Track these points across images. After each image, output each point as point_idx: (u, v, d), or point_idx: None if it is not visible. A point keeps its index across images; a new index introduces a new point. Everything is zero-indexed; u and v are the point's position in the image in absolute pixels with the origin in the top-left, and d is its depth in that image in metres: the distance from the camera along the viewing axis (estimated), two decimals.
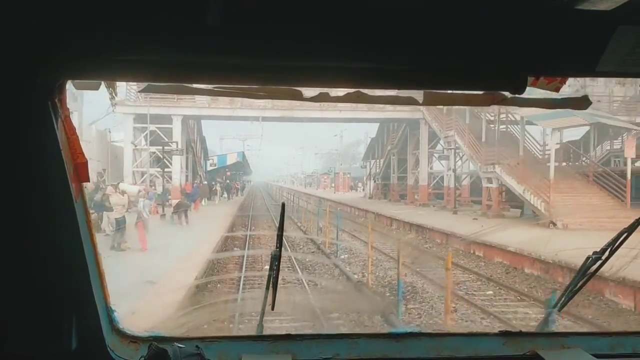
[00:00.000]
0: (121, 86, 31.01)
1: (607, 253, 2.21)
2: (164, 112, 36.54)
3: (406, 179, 42.99)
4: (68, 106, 1.57)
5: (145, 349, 1.68)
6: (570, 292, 2.32)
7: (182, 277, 11.82)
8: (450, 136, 32.80)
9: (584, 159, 29.60)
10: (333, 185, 75.02)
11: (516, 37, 1.39)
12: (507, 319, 10.94)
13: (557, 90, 1.58)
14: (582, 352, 2.09)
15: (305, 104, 37.94)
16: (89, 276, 1.75)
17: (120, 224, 15.22)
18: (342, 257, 18.83)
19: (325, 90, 1.55)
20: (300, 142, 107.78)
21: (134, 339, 1.99)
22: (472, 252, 19.64)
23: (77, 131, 1.61)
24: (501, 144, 28.44)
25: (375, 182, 51.63)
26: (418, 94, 1.57)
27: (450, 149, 32.79)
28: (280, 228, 2.22)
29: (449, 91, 1.58)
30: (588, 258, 2.26)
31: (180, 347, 1.62)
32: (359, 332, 2.25)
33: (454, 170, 32.65)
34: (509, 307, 12.29)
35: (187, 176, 40.58)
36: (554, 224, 21.12)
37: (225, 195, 48.03)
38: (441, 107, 35.69)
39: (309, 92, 1.55)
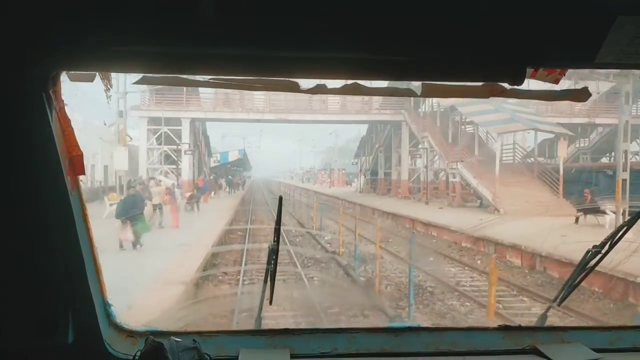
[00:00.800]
0: (117, 78, 35.73)
1: (606, 247, 2.18)
2: (173, 115, 41.24)
3: (391, 174, 47.80)
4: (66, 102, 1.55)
5: (142, 343, 1.60)
6: (570, 286, 2.29)
7: (206, 242, 16.86)
8: (425, 137, 37.60)
9: (530, 158, 34.40)
10: (330, 180, 79.71)
11: (515, 27, 1.37)
12: (442, 274, 15.56)
13: (556, 82, 1.56)
14: (582, 346, 2.06)
15: (300, 106, 43.10)
16: (85, 270, 1.74)
17: (159, 208, 20.18)
18: (326, 238, 23.54)
19: (322, 81, 1.52)
20: (298, 140, 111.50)
21: (131, 334, 1.98)
22: (429, 233, 24.44)
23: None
24: (466, 145, 33.29)
25: (365, 177, 56.26)
26: (416, 86, 1.56)
27: (424, 148, 37.60)
28: (278, 222, 2.20)
29: (447, 83, 1.54)
30: (588, 252, 2.23)
31: (177, 341, 1.57)
32: (358, 327, 2.15)
33: (427, 167, 37.44)
34: (445, 270, 16.92)
35: (194, 172, 45.36)
36: (498, 211, 26.03)
37: (229, 189, 52.90)
38: (419, 110, 40.68)
39: (305, 84, 1.52)
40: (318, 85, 1.53)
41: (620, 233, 2.16)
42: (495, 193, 27.36)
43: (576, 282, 2.29)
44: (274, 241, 2.21)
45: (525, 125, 28.69)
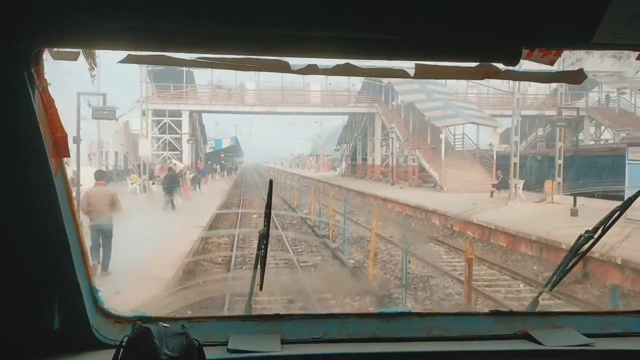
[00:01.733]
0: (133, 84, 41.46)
1: (599, 232, 2.18)
2: (175, 108, 46.97)
3: (367, 160, 53.96)
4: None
5: (130, 329, 1.55)
6: (562, 271, 2.30)
7: (210, 208, 23.12)
8: (393, 127, 43.74)
9: (473, 146, 40.74)
10: (316, 165, 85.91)
11: (511, 6, 1.34)
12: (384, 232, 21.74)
13: (551, 63, 1.55)
14: (573, 331, 2.07)
15: (286, 100, 49.03)
16: (71, 255, 1.72)
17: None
18: (304, 211, 29.61)
19: (313, 61, 1.49)
20: (288, 128, 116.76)
21: (119, 319, 1.97)
22: (388, 206, 30.62)
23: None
24: (422, 134, 39.46)
25: (346, 162, 62.44)
26: (409, 67, 1.53)
27: (391, 137, 43.79)
28: (268, 206, 2.15)
29: (441, 63, 1.53)
30: (580, 237, 2.23)
31: (165, 327, 1.53)
32: (349, 312, 2.19)
33: (392, 154, 43.66)
34: (387, 229, 23.02)
35: (192, 158, 51.25)
36: (443, 189, 32.32)
37: (224, 173, 59.02)
38: (388, 104, 46.82)
39: (296, 64, 1.49)
40: (309, 66, 1.50)
41: (613, 218, 2.14)
42: (441, 175, 33.65)
43: (568, 267, 2.26)
44: (264, 226, 2.16)
45: (465, 119, 34.96)
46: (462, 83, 43.70)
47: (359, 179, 53.29)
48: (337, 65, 1.50)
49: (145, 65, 41.94)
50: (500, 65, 1.53)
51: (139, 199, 25.89)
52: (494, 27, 1.40)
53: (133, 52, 1.43)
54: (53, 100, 1.56)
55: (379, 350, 1.97)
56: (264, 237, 2.17)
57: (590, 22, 1.34)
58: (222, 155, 70.59)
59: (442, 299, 11.98)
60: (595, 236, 2.19)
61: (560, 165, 26.30)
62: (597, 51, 1.62)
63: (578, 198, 19.67)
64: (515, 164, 25.14)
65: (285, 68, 1.49)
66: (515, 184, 24.53)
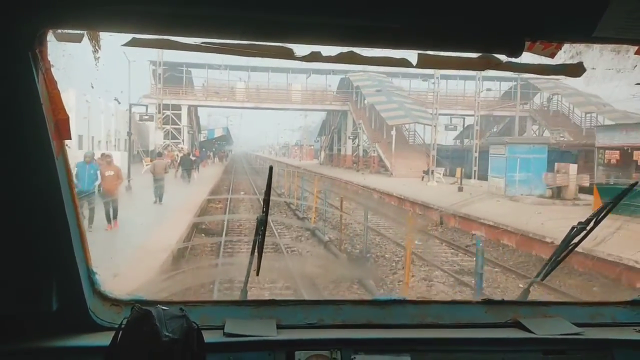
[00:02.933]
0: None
1: (592, 224, 2.20)
2: (176, 102, 54.91)
3: (341, 150, 62.28)
4: None
5: (127, 311, 1.57)
6: (554, 262, 2.32)
7: (210, 185, 31.39)
8: (360, 123, 52.07)
9: (424, 142, 49.19)
10: (300, 155, 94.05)
11: None
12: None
13: (552, 56, 1.56)
14: (563, 320, 2.12)
15: (271, 97, 57.15)
16: (70, 237, 1.72)
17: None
18: (281, 192, 37.80)
19: (316, 48, 1.49)
20: (276, 119, 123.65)
21: (116, 302, 1.98)
22: (347, 188, 38.93)
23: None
24: (382, 130, 47.82)
25: (325, 152, 70.75)
26: (412, 56, 1.54)
27: (359, 132, 52.16)
28: (268, 192, 2.12)
29: (444, 53, 1.54)
30: (573, 228, 2.25)
31: (165, 309, 1.54)
32: (344, 299, 2.21)
33: (359, 146, 52.04)
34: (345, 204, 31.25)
35: (190, 145, 59.25)
36: (392, 175, 40.78)
37: (215, 160, 67.16)
38: (358, 104, 55.11)
39: (299, 50, 1.50)
40: (313, 53, 1.50)
41: (606, 210, 2.15)
42: (392, 163, 42.06)
43: (560, 257, 2.28)
44: (263, 212, 2.13)
45: (412, 119, 43.41)
46: (423, 86, 52.13)
47: (334, 167, 61.29)
48: (341, 52, 1.49)
49: (154, 68, 50.32)
50: (502, 57, 1.54)
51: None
52: (497, 18, 1.40)
53: (137, 35, 1.44)
54: (56, 82, 1.55)
55: (373, 336, 1.99)
56: (262, 224, 2.14)
57: (592, 15, 1.35)
58: (215, 143, 78.37)
59: (356, 234, 20.18)
60: (588, 228, 2.20)
61: (476, 157, 34.74)
62: (597, 45, 1.60)
63: (473, 180, 28.05)
64: (433, 156, 33.68)
65: (289, 54, 1.50)
66: (432, 171, 33.09)
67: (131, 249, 11.75)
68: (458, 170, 32.07)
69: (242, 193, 31.36)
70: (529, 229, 14.96)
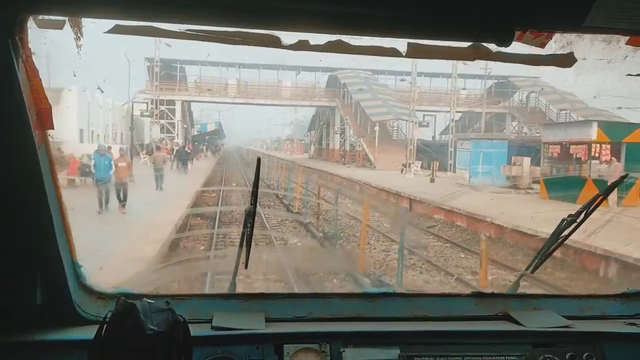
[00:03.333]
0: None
1: (582, 216, 2.19)
2: (170, 98, 57.21)
3: (329, 145, 64.86)
4: None
5: (113, 305, 1.55)
6: (544, 254, 2.31)
7: (204, 176, 33.96)
8: (347, 119, 54.67)
9: (404, 136, 51.92)
10: (291, 149, 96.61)
11: None
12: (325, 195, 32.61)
13: (542, 45, 1.56)
14: (553, 313, 2.13)
15: (262, 93, 59.60)
16: (54, 229, 1.69)
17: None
18: (270, 182, 40.33)
19: (304, 37, 1.47)
20: (268, 114, 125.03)
21: (102, 296, 1.96)
22: (332, 179, 41.49)
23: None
24: (366, 126, 50.47)
25: (314, 147, 73.35)
26: (402, 46, 1.53)
27: (346, 127, 54.79)
28: (256, 184, 2.09)
29: (434, 42, 1.52)
30: (563, 221, 2.23)
31: (150, 303, 1.52)
32: (333, 292, 2.18)
33: (345, 140, 54.67)
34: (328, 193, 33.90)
35: (184, 139, 61.63)
36: (375, 168, 43.46)
37: (208, 153, 69.61)
38: (345, 100, 57.66)
39: (287, 39, 1.48)
40: (300, 41, 1.47)
41: (596, 203, 2.13)
42: (375, 157, 44.73)
43: (550, 250, 2.28)
44: (251, 204, 2.10)
45: (394, 116, 46.11)
46: (405, 84, 54.65)
47: (323, 160, 63.83)
48: (329, 41, 1.48)
49: (149, 65, 52.63)
50: (492, 47, 1.53)
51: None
52: (487, 6, 1.39)
53: (120, 22, 1.40)
54: (37, 71, 1.51)
55: (362, 329, 1.99)
56: (250, 216, 2.11)
57: (582, 4, 1.34)
58: (207, 137, 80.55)
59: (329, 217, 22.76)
60: (578, 220, 2.19)
61: (451, 151, 37.48)
62: (588, 35, 1.58)
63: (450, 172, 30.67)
64: (410, 150, 36.37)
65: (276, 43, 1.47)
66: (410, 164, 35.83)
67: (141, 225, 14.36)
68: (433, 164, 34.80)
69: (233, 184, 33.85)
70: (477, 212, 17.66)
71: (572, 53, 1.61)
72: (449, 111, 45.80)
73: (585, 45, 1.61)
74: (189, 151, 41.11)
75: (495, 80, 57.45)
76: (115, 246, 11.00)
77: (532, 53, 1.59)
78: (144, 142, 50.94)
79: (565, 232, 2.25)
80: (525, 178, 24.51)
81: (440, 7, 1.39)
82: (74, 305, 1.86)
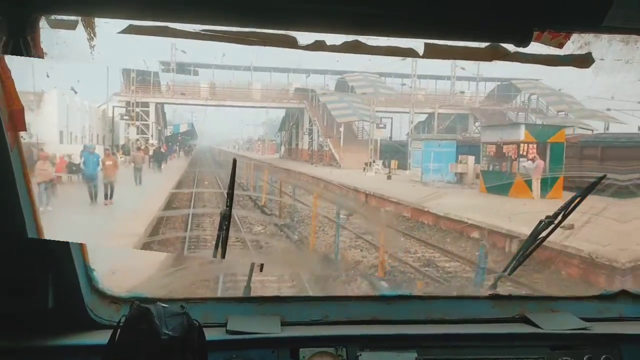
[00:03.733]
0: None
1: (559, 217, 2.21)
2: (144, 100, 58.92)
3: (299, 145, 67.34)
4: None
5: (126, 309, 1.54)
6: (522, 256, 2.34)
7: (179, 174, 36.21)
8: (315, 120, 57.28)
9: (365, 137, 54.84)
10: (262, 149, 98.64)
11: None
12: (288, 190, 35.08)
13: (560, 46, 1.54)
14: (571, 315, 2.13)
15: (233, 95, 61.79)
16: (27, 234, 1.66)
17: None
18: (240, 181, 42.60)
19: (321, 37, 1.46)
20: (240, 115, 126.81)
21: (115, 300, 1.96)
22: (299, 177, 43.94)
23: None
24: (332, 127, 53.18)
25: (285, 147, 75.71)
26: (418, 46, 1.52)
27: (314, 128, 57.41)
28: (231, 186, 2.10)
29: (450, 43, 1.51)
30: (540, 222, 2.25)
31: (164, 307, 1.52)
32: (349, 295, 2.16)
33: (313, 140, 57.32)
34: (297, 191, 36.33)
35: (158, 140, 63.39)
36: (340, 166, 46.18)
37: (180, 153, 71.48)
38: (313, 102, 60.30)
39: (303, 39, 1.48)
40: (317, 42, 1.46)
41: (573, 204, 2.16)
42: (341, 157, 47.49)
43: (527, 252, 2.30)
44: (227, 206, 2.08)
45: (359, 117, 49.03)
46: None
47: (293, 160, 65.99)
48: (345, 42, 1.47)
49: (125, 69, 54.40)
50: (510, 47, 1.51)
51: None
52: (505, 6, 1.37)
53: (134, 22, 1.38)
54: (9, 71, 1.47)
55: (378, 332, 1.99)
56: (225, 218, 2.11)
57: (601, 4, 1.32)
58: (180, 138, 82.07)
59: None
60: (556, 222, 2.21)
61: (410, 151, 40.43)
62: (606, 35, 1.56)
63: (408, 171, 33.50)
64: (371, 149, 39.22)
65: (292, 43, 1.47)
66: (370, 163, 38.75)
67: (128, 212, 16.82)
68: (394, 162, 37.66)
69: (205, 183, 36.10)
70: (420, 204, 20.50)
71: (590, 53, 1.59)
72: (408, 112, 48.92)
73: (603, 46, 1.58)
74: (163, 152, 43.22)
75: (498, 83, 60.97)
76: (111, 226, 13.78)
77: (550, 54, 1.58)
78: (119, 143, 52.67)
79: (543, 234, 2.27)
80: (470, 174, 27.43)
81: (459, 8, 1.40)
82: (86, 309, 1.85)
